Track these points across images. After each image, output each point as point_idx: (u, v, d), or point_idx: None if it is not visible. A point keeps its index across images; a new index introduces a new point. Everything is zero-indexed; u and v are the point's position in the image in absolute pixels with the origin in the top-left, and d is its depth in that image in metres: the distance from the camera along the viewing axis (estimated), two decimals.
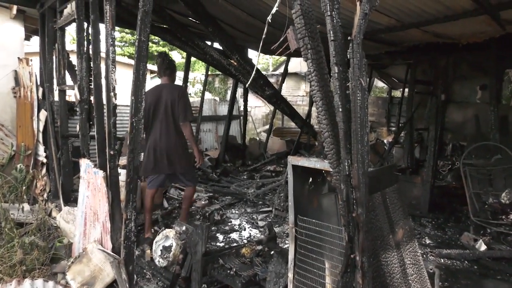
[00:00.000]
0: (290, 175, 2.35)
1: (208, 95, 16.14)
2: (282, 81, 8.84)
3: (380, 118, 12.16)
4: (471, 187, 4.53)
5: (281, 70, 15.86)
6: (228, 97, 21.02)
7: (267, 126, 14.59)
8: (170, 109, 3.98)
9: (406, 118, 7.13)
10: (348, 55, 1.77)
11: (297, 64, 16.68)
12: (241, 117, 10.07)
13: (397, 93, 14.12)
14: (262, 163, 8.11)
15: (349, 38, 1.77)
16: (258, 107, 17.51)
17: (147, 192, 4.11)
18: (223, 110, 11.19)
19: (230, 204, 5.53)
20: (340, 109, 1.82)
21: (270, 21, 1.92)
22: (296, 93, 17.76)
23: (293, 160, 2.34)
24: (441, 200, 5.67)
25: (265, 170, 7.54)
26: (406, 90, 8.80)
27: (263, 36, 2.11)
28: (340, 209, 1.90)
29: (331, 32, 1.79)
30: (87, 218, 3.58)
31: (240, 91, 11.64)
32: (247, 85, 3.95)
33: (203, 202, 5.37)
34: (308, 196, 2.43)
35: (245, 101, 8.23)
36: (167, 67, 4.15)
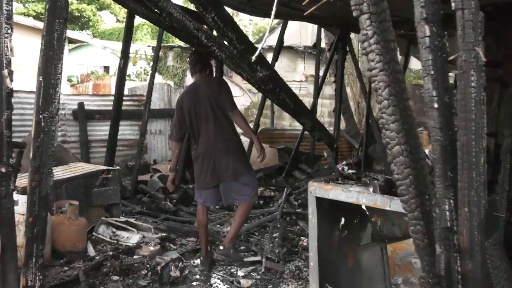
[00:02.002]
0: (312, 214, 2.27)
1: (158, 79, 15.97)
2: (275, 58, 8.74)
3: (417, 116, 12.24)
4: None
5: (271, 42, 15.78)
6: (187, 81, 21.40)
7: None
8: (214, 103, 4.93)
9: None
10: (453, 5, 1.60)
11: (293, 34, 16.73)
12: None
13: None
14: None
15: None
16: (235, 97, 17.70)
17: (198, 208, 5.21)
18: None
19: (194, 250, 5.58)
20: (436, 104, 1.64)
21: None
22: (290, 76, 17.76)
23: (318, 188, 2.29)
24: None
25: None
26: None
27: None
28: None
29: None
30: None
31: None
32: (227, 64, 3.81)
33: (151, 248, 5.31)
34: (339, 247, 2.44)
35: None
36: (195, 63, 5.14)
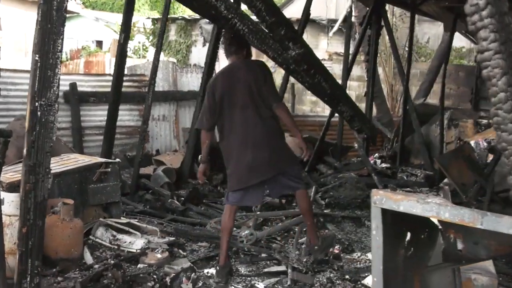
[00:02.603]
0: (377, 230, 2.17)
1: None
2: (300, 33, 8.56)
3: (461, 103, 12.18)
4: None
5: (292, 12, 15.53)
6: (192, 58, 21.26)
7: None
8: (256, 90, 4.90)
9: None
10: None
11: (316, 5, 16.51)
12: None
13: None
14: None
15: None
16: None
17: (227, 208, 5.09)
18: (188, 82, 11.35)
19: (207, 257, 5.58)
20: None
21: None
22: None
23: (385, 198, 2.14)
24: None
25: (267, 194, 7.20)
26: None
27: None
28: None
29: None
30: None
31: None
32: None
33: (159, 256, 5.24)
34: (405, 267, 2.35)
35: None
36: (230, 43, 5.11)
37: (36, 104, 2.62)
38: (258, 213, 6.60)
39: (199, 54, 19.07)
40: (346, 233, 6.52)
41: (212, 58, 8.28)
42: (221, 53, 10.58)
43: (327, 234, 5.75)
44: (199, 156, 5.30)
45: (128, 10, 7.39)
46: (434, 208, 1.96)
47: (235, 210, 5.17)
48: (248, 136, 4.90)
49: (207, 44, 19.06)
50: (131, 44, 20.30)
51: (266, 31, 4.86)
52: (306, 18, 8.74)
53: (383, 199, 2.10)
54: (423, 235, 2.37)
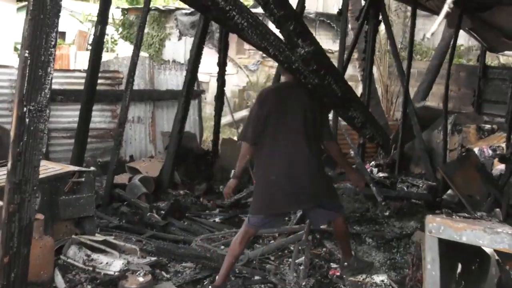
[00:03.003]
0: (433, 263, 2.09)
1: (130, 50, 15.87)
2: None
3: (462, 106, 12.21)
4: None
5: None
6: (165, 53, 21.11)
7: (245, 111, 14.52)
8: (311, 118, 5.00)
9: None
10: None
11: None
12: (202, 95, 10.72)
13: (494, 59, 14.13)
14: (248, 191, 8.02)
15: None
16: (227, 75, 17.62)
17: (245, 230, 5.08)
18: (166, 80, 11.26)
19: (194, 280, 5.51)
20: None
21: None
22: None
23: (443, 227, 2.03)
24: None
25: None
26: None
27: None
28: None
29: None
30: None
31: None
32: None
33: (141, 280, 5.11)
34: None
35: (223, 62, 8.91)
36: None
37: (25, 109, 2.48)
38: None
39: (174, 48, 19.02)
40: None
41: (197, 54, 8.19)
42: (206, 50, 10.53)
43: (364, 259, 5.85)
44: (232, 171, 5.25)
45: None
46: (506, 239, 1.88)
47: (253, 235, 5.32)
48: (293, 163, 4.94)
49: (183, 38, 19.08)
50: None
51: (266, 25, 4.83)
52: (301, 10, 8.70)
53: (441, 227, 2.05)
54: (474, 266, 2.35)
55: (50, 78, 2.63)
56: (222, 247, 6.25)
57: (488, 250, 2.37)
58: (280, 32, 4.57)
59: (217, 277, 5.08)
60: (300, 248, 5.79)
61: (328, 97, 5.66)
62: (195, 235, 6.54)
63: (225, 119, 16.38)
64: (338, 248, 6.16)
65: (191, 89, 8.43)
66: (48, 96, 2.63)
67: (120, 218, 7.02)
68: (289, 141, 4.96)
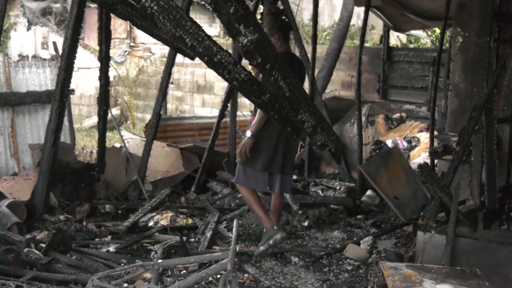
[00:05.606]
0: None
1: None
2: None
3: (365, 93, 12.37)
4: None
5: None
6: (11, 47, 19.53)
7: (115, 110, 13.64)
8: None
9: (476, 98, 6.47)
10: None
11: None
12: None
13: (397, 40, 14.00)
14: (145, 210, 7.53)
15: None
16: (82, 68, 17.00)
17: (246, 190, 6.22)
18: (27, 79, 10.05)
19: None
20: None
21: None
22: None
23: None
24: None
25: (161, 229, 7.01)
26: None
27: None
28: None
29: None
30: None
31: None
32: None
33: None
34: None
35: (105, 55, 8.36)
36: (288, 25, 6.36)
37: None
38: (160, 261, 5.75)
39: (22, 40, 17.91)
40: (272, 275, 5.78)
41: (71, 47, 7.40)
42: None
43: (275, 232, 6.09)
44: (248, 131, 5.99)
45: None
46: None
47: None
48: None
49: (33, 28, 17.57)
50: None
51: (182, 10, 4.17)
52: None
53: None
54: None
55: None
56: (126, 284, 5.61)
57: None
58: (218, 17, 4.07)
59: (263, 221, 6.06)
60: (225, 279, 5.06)
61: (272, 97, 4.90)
62: (88, 272, 5.71)
63: (91, 121, 15.37)
64: (261, 273, 5.84)
65: (66, 90, 7.64)
66: None
67: None
68: None
